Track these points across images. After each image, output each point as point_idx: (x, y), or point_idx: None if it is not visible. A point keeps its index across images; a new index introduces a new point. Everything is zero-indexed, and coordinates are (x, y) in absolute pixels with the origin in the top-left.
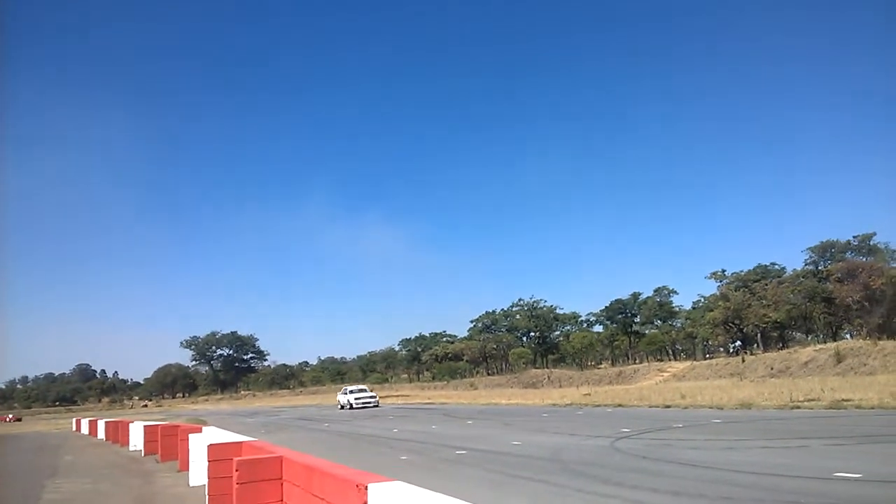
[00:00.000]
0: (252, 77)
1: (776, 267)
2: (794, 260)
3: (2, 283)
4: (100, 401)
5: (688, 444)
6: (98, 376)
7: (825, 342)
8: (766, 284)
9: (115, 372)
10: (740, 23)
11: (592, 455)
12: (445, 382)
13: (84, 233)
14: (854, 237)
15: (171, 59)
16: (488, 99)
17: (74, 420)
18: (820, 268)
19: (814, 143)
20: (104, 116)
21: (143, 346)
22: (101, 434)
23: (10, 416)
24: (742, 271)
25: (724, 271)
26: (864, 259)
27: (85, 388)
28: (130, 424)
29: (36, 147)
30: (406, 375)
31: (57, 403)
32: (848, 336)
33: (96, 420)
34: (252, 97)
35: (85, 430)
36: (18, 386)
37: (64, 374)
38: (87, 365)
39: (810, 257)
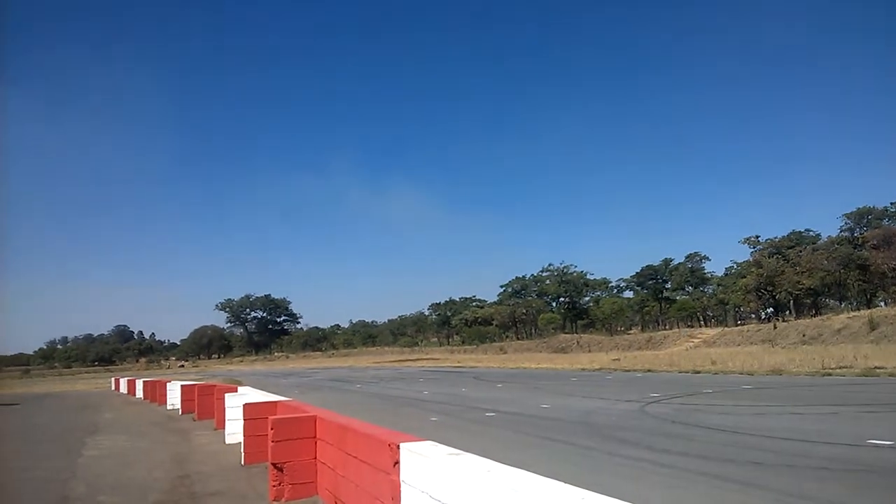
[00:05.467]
0: (282, 49)
1: (811, 233)
2: (829, 226)
3: (43, 247)
4: (137, 361)
5: (718, 410)
6: (136, 337)
7: (859, 310)
8: (801, 251)
9: (153, 333)
10: None
11: (622, 419)
12: (475, 346)
13: (124, 199)
14: (891, 204)
15: (208, 26)
16: (520, 57)
17: (113, 379)
18: (855, 234)
19: (851, 107)
20: (147, 81)
21: (179, 309)
22: (139, 393)
23: None
24: (776, 237)
25: (757, 237)
26: None
27: (123, 348)
28: (168, 384)
29: (69, 109)
30: (436, 339)
31: (96, 363)
32: (882, 304)
33: (134, 380)
34: (281, 69)
35: (123, 389)
36: (59, 346)
37: (103, 335)
38: (126, 326)
39: (846, 224)
